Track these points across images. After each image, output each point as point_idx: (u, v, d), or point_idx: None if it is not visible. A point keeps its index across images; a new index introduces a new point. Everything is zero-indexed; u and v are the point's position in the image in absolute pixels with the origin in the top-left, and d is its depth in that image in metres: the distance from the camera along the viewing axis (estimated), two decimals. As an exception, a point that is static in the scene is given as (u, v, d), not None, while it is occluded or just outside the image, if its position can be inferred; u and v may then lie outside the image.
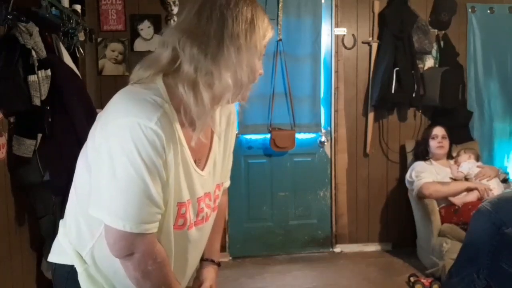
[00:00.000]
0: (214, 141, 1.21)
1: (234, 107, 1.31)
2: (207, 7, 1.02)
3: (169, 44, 1.03)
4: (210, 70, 1.00)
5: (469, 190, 3.38)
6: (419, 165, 3.61)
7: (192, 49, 1.00)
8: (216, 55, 1.00)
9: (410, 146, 3.89)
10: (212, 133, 1.21)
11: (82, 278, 1.13)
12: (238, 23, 1.01)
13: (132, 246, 1.02)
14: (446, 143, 3.65)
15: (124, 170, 0.97)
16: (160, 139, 0.99)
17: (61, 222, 1.23)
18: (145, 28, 3.59)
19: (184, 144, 1.08)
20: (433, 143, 3.64)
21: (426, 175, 3.49)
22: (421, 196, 3.45)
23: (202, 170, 1.17)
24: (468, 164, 3.57)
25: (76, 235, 1.14)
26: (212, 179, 1.22)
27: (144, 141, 0.97)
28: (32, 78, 1.96)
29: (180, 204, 1.10)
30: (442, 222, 3.34)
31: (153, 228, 1.03)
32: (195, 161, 1.13)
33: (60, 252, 1.17)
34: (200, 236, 1.22)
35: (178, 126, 1.05)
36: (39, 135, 2.07)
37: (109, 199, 0.99)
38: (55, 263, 1.19)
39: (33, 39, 1.99)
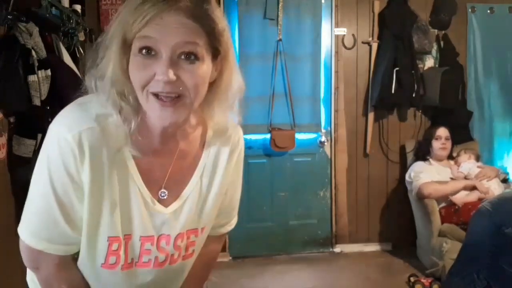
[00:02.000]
0: (193, 178, 1.01)
1: (242, 143, 1.10)
2: None
3: None
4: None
5: (467, 188, 3.38)
6: (418, 166, 3.61)
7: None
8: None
9: (410, 146, 3.89)
10: (193, 167, 1.01)
11: None
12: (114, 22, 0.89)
13: (36, 262, 0.95)
14: (449, 144, 3.65)
15: (35, 182, 0.90)
16: (74, 156, 0.85)
17: None
18: (145, 28, 3.59)
19: (132, 170, 0.92)
20: (436, 144, 3.63)
21: (425, 175, 3.49)
22: (420, 197, 3.45)
23: (167, 206, 0.98)
24: (468, 165, 3.57)
25: None
26: (178, 220, 1.00)
27: (57, 154, 0.86)
28: (32, 78, 1.96)
29: (111, 239, 0.93)
30: (442, 222, 3.34)
31: (55, 249, 0.93)
32: (158, 194, 0.97)
33: None
34: (151, 283, 1.03)
35: (125, 148, 0.90)
36: (39, 135, 2.07)
37: (24, 207, 0.93)
38: None
39: (33, 39, 1.99)
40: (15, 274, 2.10)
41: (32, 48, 1.97)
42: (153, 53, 0.82)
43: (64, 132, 0.85)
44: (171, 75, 0.81)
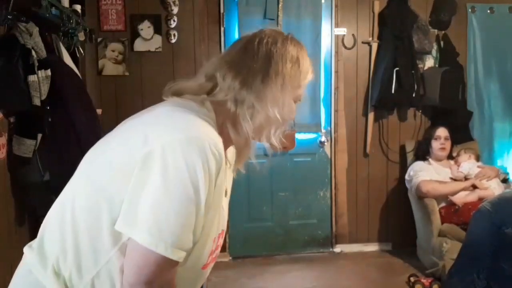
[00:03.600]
0: (228, 170, 1.14)
1: None
2: (254, 44, 1.03)
3: (207, 74, 1.04)
4: (252, 105, 1.00)
5: (467, 189, 3.38)
6: (417, 165, 3.62)
7: (234, 82, 1.00)
8: (260, 91, 1.00)
9: (410, 146, 3.89)
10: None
11: None
12: (285, 61, 1.03)
13: (160, 273, 0.90)
14: (448, 144, 3.65)
15: (182, 189, 0.88)
16: (221, 165, 0.94)
17: (28, 248, 1.04)
18: (145, 28, 3.59)
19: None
20: (435, 144, 3.64)
21: (424, 173, 3.49)
22: (418, 194, 3.45)
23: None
24: (468, 164, 3.57)
25: (73, 260, 0.94)
26: (227, 213, 1.15)
27: (212, 163, 0.91)
28: (32, 78, 1.96)
29: (215, 239, 1.04)
30: (442, 222, 3.34)
31: (184, 257, 0.92)
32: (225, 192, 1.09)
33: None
34: (204, 277, 1.12)
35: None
36: (39, 135, 2.07)
37: (154, 218, 0.87)
38: None
39: (33, 39, 1.99)
40: (15, 271, 2.10)
41: (32, 48, 1.97)
42: None
43: (215, 144, 0.92)
44: None
